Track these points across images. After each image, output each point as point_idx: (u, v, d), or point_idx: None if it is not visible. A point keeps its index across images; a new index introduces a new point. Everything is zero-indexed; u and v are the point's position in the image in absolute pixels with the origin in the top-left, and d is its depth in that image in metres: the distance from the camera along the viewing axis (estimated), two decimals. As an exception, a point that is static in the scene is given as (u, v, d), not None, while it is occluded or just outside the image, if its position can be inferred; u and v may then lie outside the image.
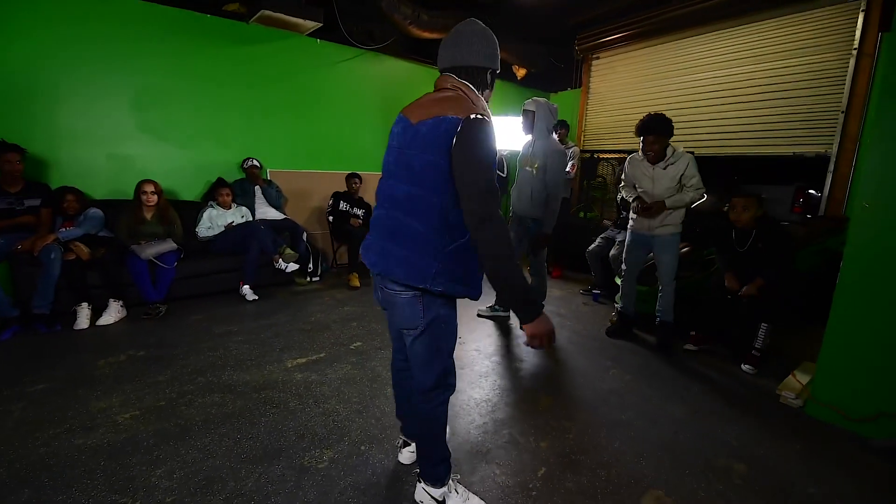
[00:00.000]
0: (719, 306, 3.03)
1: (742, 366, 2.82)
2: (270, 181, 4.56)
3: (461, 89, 1.39)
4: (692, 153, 3.03)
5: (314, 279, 4.47)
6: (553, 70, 6.38)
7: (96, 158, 3.80)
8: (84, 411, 2.04)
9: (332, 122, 5.00)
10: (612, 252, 4.01)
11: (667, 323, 3.09)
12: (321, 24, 4.31)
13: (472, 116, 1.25)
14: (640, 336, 3.30)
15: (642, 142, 2.94)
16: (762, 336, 2.82)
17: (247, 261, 3.78)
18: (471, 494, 1.59)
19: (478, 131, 1.24)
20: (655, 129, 2.85)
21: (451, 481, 1.56)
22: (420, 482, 1.56)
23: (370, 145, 5.32)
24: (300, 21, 4.20)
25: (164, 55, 3.94)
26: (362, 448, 1.87)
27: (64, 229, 3.12)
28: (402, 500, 1.60)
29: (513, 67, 6.21)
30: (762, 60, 4.50)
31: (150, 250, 3.30)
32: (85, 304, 3.05)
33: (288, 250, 4.01)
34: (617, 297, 3.68)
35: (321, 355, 2.73)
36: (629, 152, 5.13)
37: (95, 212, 3.32)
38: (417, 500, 1.58)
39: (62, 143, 3.62)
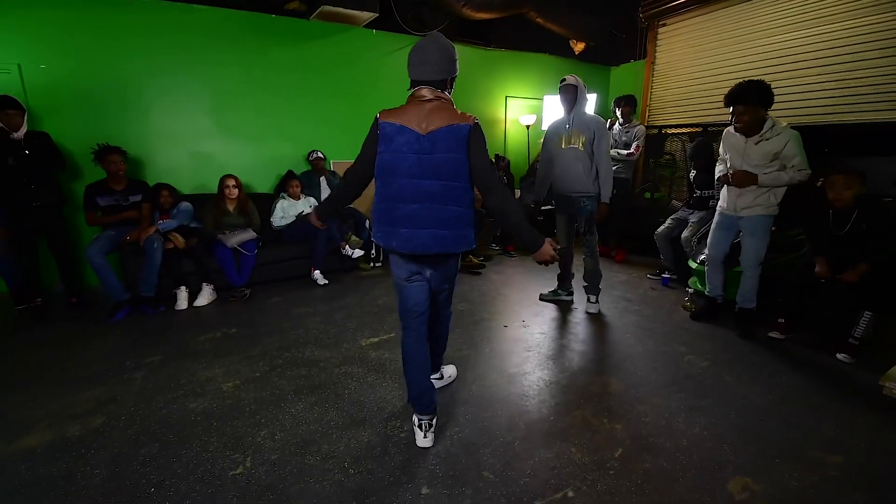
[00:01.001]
0: (809, 292, 2.80)
1: (837, 355, 2.60)
2: (334, 172, 4.77)
3: (443, 98, 1.69)
4: (795, 130, 2.70)
5: (377, 265, 4.64)
6: (614, 42, 6.08)
7: (182, 156, 4.19)
8: (193, 380, 2.31)
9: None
10: (685, 234, 3.82)
11: (747, 310, 2.92)
12: (377, 15, 4.40)
13: (475, 122, 1.64)
14: (720, 322, 3.13)
15: (731, 113, 2.73)
16: (864, 324, 2.56)
17: (316, 248, 4.00)
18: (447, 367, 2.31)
19: (481, 133, 1.66)
20: (744, 98, 2.63)
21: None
22: (442, 370, 2.25)
23: (427, 133, 5.39)
24: (357, 13, 4.31)
25: (235, 58, 4.23)
26: (440, 422, 1.96)
27: (161, 221, 3.48)
28: (482, 470, 1.67)
29: (570, 42, 5.99)
30: (855, 16, 4.01)
31: (234, 239, 3.60)
32: (183, 288, 3.40)
33: (353, 237, 4.21)
34: (691, 281, 3.54)
35: (391, 335, 2.87)
36: (701, 126, 4.88)
37: (186, 205, 3.66)
38: (447, 375, 2.29)
39: (153, 144, 4.03)
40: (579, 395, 2.19)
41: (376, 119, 1.69)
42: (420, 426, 1.80)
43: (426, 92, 1.67)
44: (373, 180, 1.78)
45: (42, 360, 2.54)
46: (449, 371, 2.33)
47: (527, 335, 2.90)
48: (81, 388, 2.24)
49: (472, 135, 1.63)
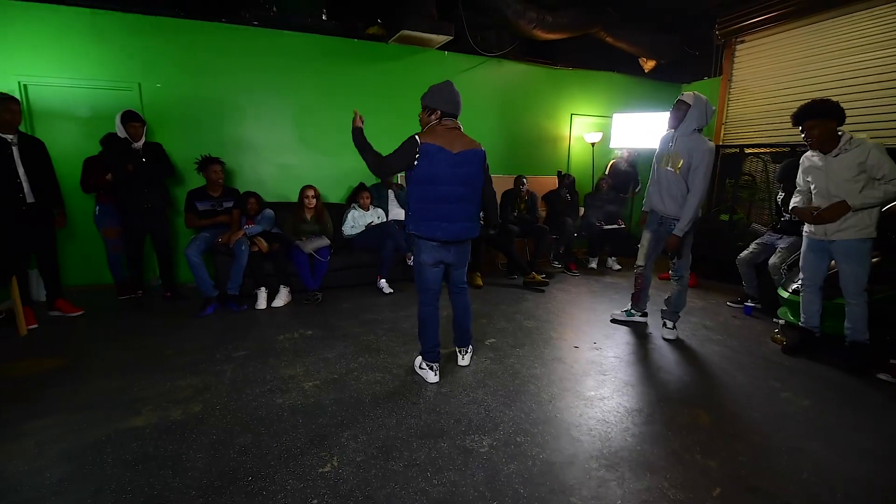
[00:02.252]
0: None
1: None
2: (401, 185, 4.91)
3: (460, 127, 2.38)
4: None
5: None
6: (685, 59, 5.86)
7: (267, 167, 4.50)
8: (277, 376, 2.43)
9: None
10: (773, 260, 3.55)
11: (859, 343, 2.65)
12: (452, 37, 4.55)
13: (482, 148, 2.38)
14: (817, 358, 2.86)
15: (802, 132, 2.62)
16: None
17: (383, 257, 4.12)
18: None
19: (486, 156, 2.41)
20: (811, 112, 2.55)
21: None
22: (466, 353, 2.63)
23: (490, 149, 5.37)
24: (433, 36, 4.48)
25: (317, 78, 4.52)
26: (518, 439, 1.92)
27: (248, 226, 3.73)
28: (569, 496, 1.61)
29: (640, 60, 5.85)
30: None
31: (310, 245, 3.80)
32: (263, 289, 3.62)
33: (420, 249, 4.28)
34: (780, 311, 3.27)
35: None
36: (788, 146, 4.56)
37: (270, 212, 3.91)
38: (467, 364, 2.62)
39: (244, 156, 4.37)
40: (666, 425, 2.07)
41: (416, 139, 2.21)
42: (431, 368, 2.42)
43: (453, 123, 2.33)
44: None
45: (144, 348, 2.78)
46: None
47: (600, 358, 2.79)
48: (180, 376, 2.42)
49: (484, 158, 2.38)
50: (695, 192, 2.83)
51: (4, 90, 3.24)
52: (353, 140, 2.42)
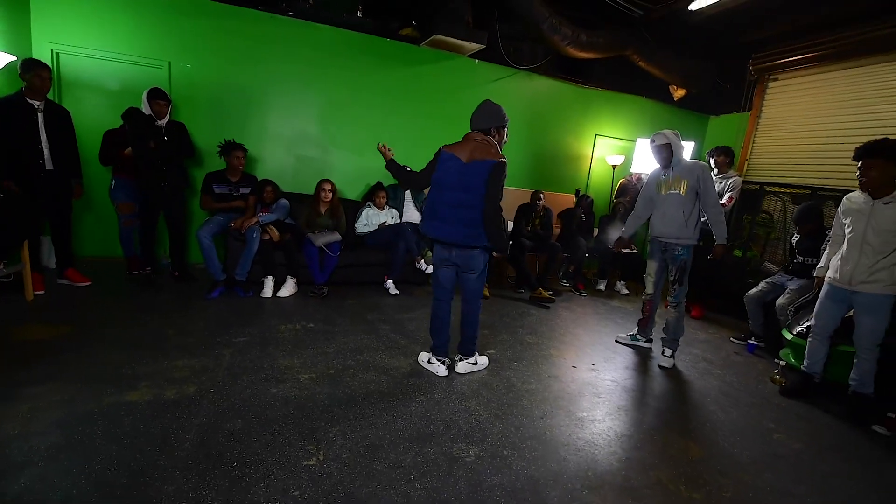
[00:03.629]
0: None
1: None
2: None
3: (487, 140, 2.43)
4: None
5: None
6: (716, 91, 5.84)
7: (287, 158, 4.57)
8: (274, 365, 2.46)
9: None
10: (781, 301, 3.50)
11: (862, 395, 2.61)
12: (484, 46, 4.59)
13: (500, 161, 2.36)
14: (814, 402, 2.82)
15: (859, 168, 2.53)
16: None
17: (393, 258, 4.15)
18: (480, 357, 2.76)
19: (502, 168, 2.36)
20: (876, 151, 2.45)
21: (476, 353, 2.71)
22: (461, 361, 2.66)
23: (511, 161, 5.42)
24: (466, 43, 4.53)
25: (346, 74, 4.58)
26: (504, 452, 1.92)
27: (262, 214, 3.79)
28: (548, 515, 1.61)
29: (670, 88, 5.84)
30: None
31: (321, 239, 3.84)
32: (270, 277, 3.66)
33: (429, 253, 4.31)
34: (783, 352, 3.23)
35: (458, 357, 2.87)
36: (810, 188, 4.51)
37: (285, 202, 3.96)
38: (463, 371, 2.65)
39: (265, 144, 4.44)
40: (654, 454, 2.05)
41: (440, 149, 2.47)
42: (442, 363, 2.59)
43: (476, 135, 2.45)
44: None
45: (147, 325, 2.83)
46: (482, 360, 2.76)
47: (597, 380, 2.78)
48: (178, 356, 2.46)
49: (494, 167, 2.33)
50: (715, 203, 2.96)
51: (37, 56, 3.34)
52: (388, 169, 2.67)
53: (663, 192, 3.06)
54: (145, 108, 3.40)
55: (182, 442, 1.77)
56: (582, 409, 2.40)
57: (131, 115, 3.40)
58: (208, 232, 3.48)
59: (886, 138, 2.49)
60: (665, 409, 2.52)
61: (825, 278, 2.80)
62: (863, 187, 2.55)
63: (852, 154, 2.61)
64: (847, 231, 2.66)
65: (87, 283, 3.42)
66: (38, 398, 1.96)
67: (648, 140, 5.26)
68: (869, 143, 2.51)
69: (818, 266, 2.98)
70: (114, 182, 3.66)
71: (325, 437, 1.88)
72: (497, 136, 2.49)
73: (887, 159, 2.43)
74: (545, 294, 4.35)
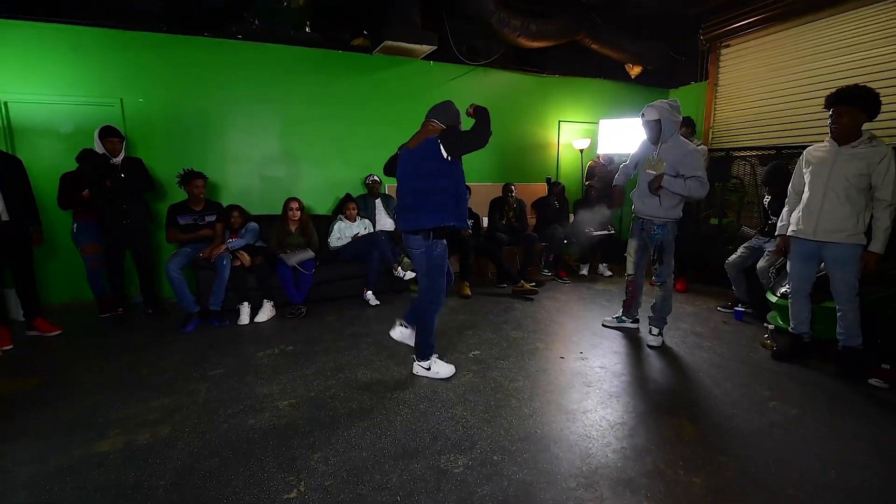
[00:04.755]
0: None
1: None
2: (389, 195, 4.88)
3: (429, 125, 2.48)
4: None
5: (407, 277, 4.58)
6: (672, 64, 5.87)
7: (252, 180, 4.47)
8: (253, 395, 2.37)
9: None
10: (761, 264, 3.51)
11: (851, 348, 2.60)
12: (436, 47, 4.54)
13: (441, 130, 2.41)
14: (808, 364, 2.80)
15: (831, 116, 2.51)
16: None
17: (370, 268, 4.07)
18: (441, 362, 2.65)
19: (450, 132, 2.39)
20: (848, 98, 2.43)
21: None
22: (415, 361, 2.62)
23: (478, 157, 5.37)
24: (417, 46, 4.46)
25: (303, 89, 4.50)
26: (495, 458, 1.86)
27: (231, 240, 3.68)
28: (542, 517, 1.55)
29: (626, 66, 5.85)
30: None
31: (294, 258, 3.75)
32: (246, 304, 3.56)
33: (406, 259, 4.24)
34: (770, 316, 3.22)
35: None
36: (774, 148, 4.54)
37: (254, 225, 3.87)
38: (415, 372, 2.62)
39: (228, 168, 4.34)
40: (649, 439, 2.00)
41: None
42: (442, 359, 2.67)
43: (426, 124, 2.49)
44: None
45: (120, 367, 2.72)
46: (439, 369, 2.61)
47: (586, 368, 2.73)
48: (152, 396, 2.36)
49: (441, 137, 2.33)
50: (695, 181, 2.78)
51: (-17, 108, 3.22)
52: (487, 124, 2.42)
53: (645, 170, 2.98)
54: (98, 148, 3.29)
55: (155, 489, 1.67)
56: (572, 401, 2.34)
57: (86, 156, 3.29)
58: (176, 265, 3.37)
59: (857, 85, 2.47)
60: (657, 390, 2.48)
61: (789, 233, 2.77)
62: (834, 134, 2.53)
63: (813, 109, 2.60)
64: (808, 181, 2.64)
65: (58, 332, 3.28)
66: (7, 457, 1.86)
67: (613, 120, 5.39)
68: (840, 89, 2.49)
69: (779, 224, 2.93)
70: (75, 225, 3.53)
71: (306, 465, 1.80)
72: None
73: (858, 106, 2.41)
74: (527, 286, 4.31)
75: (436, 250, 2.42)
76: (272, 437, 1.99)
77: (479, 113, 2.41)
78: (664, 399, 2.38)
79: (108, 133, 3.25)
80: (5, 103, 3.57)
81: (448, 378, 2.58)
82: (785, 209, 2.90)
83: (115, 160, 3.30)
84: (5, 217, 2.97)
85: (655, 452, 1.91)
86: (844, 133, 2.48)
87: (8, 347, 2.98)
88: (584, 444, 1.96)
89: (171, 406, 2.26)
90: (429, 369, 2.58)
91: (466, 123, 2.44)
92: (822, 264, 2.68)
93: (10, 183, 3.01)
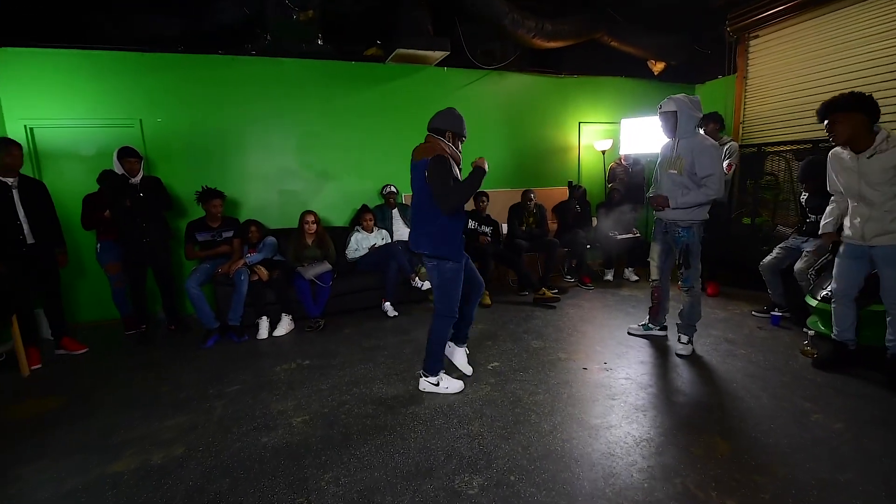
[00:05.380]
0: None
1: None
2: (406, 205, 4.85)
3: (431, 140, 2.38)
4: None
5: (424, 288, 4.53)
6: (697, 58, 5.65)
7: (270, 194, 4.53)
8: (267, 412, 2.35)
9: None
10: (799, 265, 3.29)
11: None
12: (449, 52, 4.52)
13: (433, 156, 2.24)
14: (852, 373, 2.59)
15: (826, 128, 2.42)
16: None
17: (387, 279, 4.04)
18: (449, 377, 2.56)
19: (437, 163, 2.23)
20: (834, 106, 2.34)
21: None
22: (422, 377, 2.54)
23: (496, 162, 5.33)
24: (429, 53, 4.45)
25: (318, 102, 4.55)
26: (511, 478, 1.77)
27: (249, 255, 3.73)
28: (562, 546, 1.44)
29: (647, 63, 5.68)
30: None
31: (312, 271, 3.75)
32: (264, 318, 3.58)
33: (423, 270, 4.19)
34: (810, 321, 3.01)
35: (460, 373, 2.73)
36: (810, 142, 4.28)
37: (271, 240, 3.90)
38: (421, 389, 2.53)
39: (247, 184, 4.41)
40: (678, 458, 1.87)
41: None
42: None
43: (428, 137, 2.41)
44: None
45: (141, 384, 2.76)
46: (448, 384, 2.53)
47: (610, 380, 2.60)
48: (169, 414, 2.37)
49: (429, 165, 2.24)
50: (709, 182, 2.67)
51: (11, 135, 3.37)
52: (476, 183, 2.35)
53: (667, 170, 2.86)
54: (117, 168, 3.38)
55: (167, 512, 1.66)
56: (595, 415, 2.22)
57: (105, 177, 3.40)
58: (195, 281, 3.42)
59: (840, 94, 2.38)
60: (686, 403, 2.33)
61: (842, 238, 2.61)
62: (836, 142, 2.44)
63: None
64: (843, 188, 2.52)
65: (84, 350, 3.38)
66: (25, 480, 1.89)
67: (636, 119, 5.23)
68: (825, 101, 2.42)
69: (823, 223, 2.79)
70: (99, 245, 3.65)
71: (317, 486, 1.75)
72: (451, 140, 2.39)
73: (846, 110, 2.31)
74: (549, 294, 4.18)
75: (446, 265, 2.36)
76: (284, 456, 1.95)
77: (473, 172, 2.32)
78: (694, 413, 2.23)
79: (126, 154, 3.35)
80: (31, 129, 3.73)
81: (460, 392, 2.50)
82: (830, 206, 2.75)
83: (133, 180, 3.39)
84: (31, 240, 3.08)
85: (685, 472, 1.77)
86: (844, 140, 2.39)
87: (37, 367, 3.08)
88: (607, 463, 1.84)
89: (187, 424, 2.26)
90: (437, 385, 2.50)
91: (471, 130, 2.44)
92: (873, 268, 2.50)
93: (35, 207, 3.12)
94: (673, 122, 2.75)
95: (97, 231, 3.62)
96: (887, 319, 2.44)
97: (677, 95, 2.76)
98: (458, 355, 2.72)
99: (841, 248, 2.61)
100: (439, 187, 2.22)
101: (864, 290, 2.57)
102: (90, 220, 3.55)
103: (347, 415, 2.29)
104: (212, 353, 3.26)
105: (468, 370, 2.70)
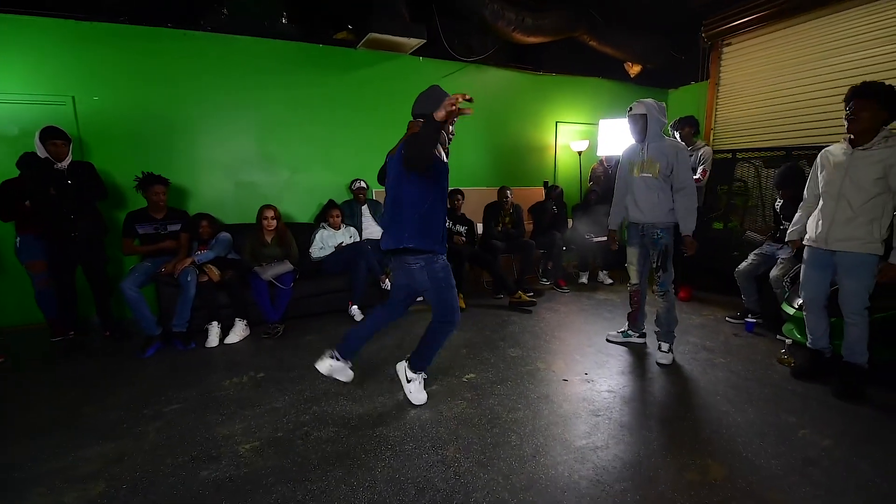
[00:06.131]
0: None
1: None
2: (377, 201, 4.57)
3: (412, 128, 2.07)
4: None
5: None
6: (672, 63, 5.66)
7: (226, 186, 4.13)
8: (210, 437, 2.03)
9: (433, 139, 4.94)
10: (775, 272, 3.26)
11: (853, 365, 2.39)
12: (425, 41, 4.26)
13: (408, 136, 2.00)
14: (831, 382, 2.54)
15: (849, 109, 2.29)
16: None
17: (355, 281, 3.76)
18: (422, 386, 2.36)
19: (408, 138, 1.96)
20: (869, 93, 2.22)
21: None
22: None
23: (472, 160, 5.14)
24: (405, 40, 4.19)
25: (280, 88, 4.18)
26: (493, 515, 1.56)
27: (199, 253, 3.35)
28: None
29: (625, 65, 5.63)
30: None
31: (270, 272, 3.42)
32: (215, 323, 3.22)
33: (393, 270, 3.93)
34: (785, 329, 2.98)
35: (433, 388, 2.51)
36: (784, 149, 4.32)
37: (225, 236, 3.54)
38: (397, 371, 2.42)
39: (198, 174, 4.00)
40: (671, 484, 1.71)
41: None
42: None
43: (410, 124, 2.14)
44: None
45: (61, 403, 2.37)
46: (415, 388, 2.35)
47: (592, 393, 2.45)
48: (92, 441, 2.02)
49: (404, 145, 1.98)
50: (687, 189, 2.68)
51: None
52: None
53: (636, 174, 2.79)
54: (40, 152, 2.93)
55: (76, 571, 1.35)
56: (580, 434, 2.05)
57: (25, 161, 2.93)
58: (133, 282, 3.02)
59: (882, 82, 2.25)
60: (673, 419, 2.20)
61: (804, 242, 2.59)
62: (850, 130, 2.33)
63: (819, 109, 2.44)
64: (822, 186, 2.46)
65: (1, 360, 2.92)
66: None
67: (613, 120, 5.15)
68: (864, 83, 2.28)
69: (790, 230, 2.77)
70: (19, 239, 3.16)
71: (264, 533, 1.48)
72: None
73: (881, 103, 2.21)
74: (525, 297, 4.03)
75: (435, 263, 2.10)
76: (226, 494, 1.66)
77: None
78: (683, 430, 2.10)
79: (50, 134, 2.91)
80: (-58, 103, 3.21)
81: (424, 405, 2.31)
82: (799, 212, 2.71)
83: (59, 165, 2.95)
84: None
85: (679, 500, 1.62)
86: (862, 129, 2.27)
87: (-63, 381, 2.62)
88: (596, 493, 1.67)
89: (112, 454, 1.92)
90: (409, 382, 2.34)
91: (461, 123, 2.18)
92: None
93: None
94: (642, 125, 2.72)
95: (16, 223, 3.14)
96: (844, 329, 2.43)
97: (646, 99, 2.73)
98: (340, 370, 2.33)
99: (805, 254, 2.59)
100: (407, 148, 1.88)
101: (834, 299, 2.55)
102: (8, 210, 3.07)
103: (305, 440, 2.02)
104: (151, 364, 2.89)
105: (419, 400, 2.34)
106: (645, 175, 2.75)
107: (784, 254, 3.33)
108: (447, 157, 2.13)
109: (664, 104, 2.79)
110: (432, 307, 2.22)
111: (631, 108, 2.76)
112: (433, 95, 2.04)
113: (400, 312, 2.38)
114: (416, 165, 1.87)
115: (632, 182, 2.84)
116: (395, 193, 2.11)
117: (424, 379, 2.39)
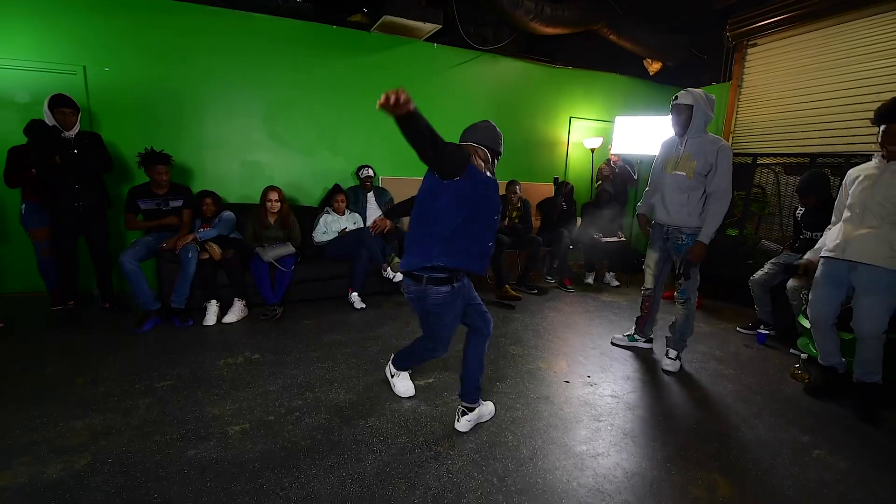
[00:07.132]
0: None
1: None
2: (384, 189, 4.50)
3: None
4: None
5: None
6: (693, 62, 5.49)
7: (232, 165, 4.08)
8: (200, 417, 1.98)
9: (446, 129, 4.81)
10: (791, 283, 3.14)
11: (867, 384, 2.29)
12: (440, 27, 4.16)
13: None
14: (846, 400, 2.43)
15: (882, 132, 2.18)
16: None
17: (356, 268, 3.69)
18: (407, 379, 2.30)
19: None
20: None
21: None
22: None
23: (483, 152, 5.02)
24: (420, 25, 4.09)
25: (292, 68, 4.10)
26: (485, 517, 1.49)
27: (201, 230, 3.30)
28: None
29: (644, 62, 5.47)
30: None
31: (271, 253, 3.36)
32: (214, 302, 3.18)
33: (396, 259, 3.86)
34: (800, 342, 2.87)
35: (429, 381, 2.44)
36: (801, 156, 4.17)
37: (229, 215, 3.48)
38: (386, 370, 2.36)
39: (204, 151, 3.94)
40: (676, 499, 1.63)
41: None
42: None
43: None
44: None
45: (54, 373, 2.34)
46: (399, 381, 2.30)
47: (594, 397, 2.36)
48: (80, 413, 1.98)
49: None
50: (721, 195, 2.47)
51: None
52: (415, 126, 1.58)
53: (669, 171, 2.61)
54: (48, 119, 2.89)
55: (51, 546, 1.30)
56: (580, 439, 1.97)
57: (33, 128, 2.89)
58: (133, 256, 2.97)
59: None
60: (679, 429, 2.11)
61: (822, 254, 2.44)
62: (888, 157, 2.20)
63: (848, 116, 2.31)
64: (849, 199, 2.33)
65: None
66: None
67: (629, 118, 5.01)
68: (889, 103, 2.15)
69: (817, 246, 2.61)
70: (24, 206, 3.13)
71: (246, 521, 1.43)
72: (484, 157, 1.93)
73: None
74: (511, 293, 3.96)
75: (430, 297, 1.79)
76: (210, 476, 1.61)
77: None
78: (689, 442, 2.01)
79: (58, 102, 2.86)
80: (-45, 67, 3.18)
81: (420, 398, 2.24)
82: (823, 237, 2.56)
83: (67, 134, 2.90)
84: None
85: (684, 518, 1.54)
86: None
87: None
88: (596, 503, 1.59)
89: (100, 427, 1.88)
90: (392, 377, 2.31)
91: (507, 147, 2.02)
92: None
93: None
94: (686, 117, 2.51)
95: (22, 191, 3.11)
96: (857, 347, 2.31)
97: (695, 90, 2.51)
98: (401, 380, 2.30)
99: (819, 268, 2.45)
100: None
101: (845, 315, 2.43)
102: (14, 177, 3.03)
103: (295, 425, 1.96)
104: (147, 339, 2.85)
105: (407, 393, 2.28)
106: (678, 173, 2.56)
107: (803, 265, 3.20)
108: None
109: (713, 97, 2.55)
110: (430, 331, 2.01)
111: (676, 98, 2.53)
112: (492, 131, 1.94)
113: (479, 331, 2.08)
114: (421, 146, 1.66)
115: (663, 179, 2.67)
116: (429, 206, 1.84)
117: (410, 371, 2.34)
